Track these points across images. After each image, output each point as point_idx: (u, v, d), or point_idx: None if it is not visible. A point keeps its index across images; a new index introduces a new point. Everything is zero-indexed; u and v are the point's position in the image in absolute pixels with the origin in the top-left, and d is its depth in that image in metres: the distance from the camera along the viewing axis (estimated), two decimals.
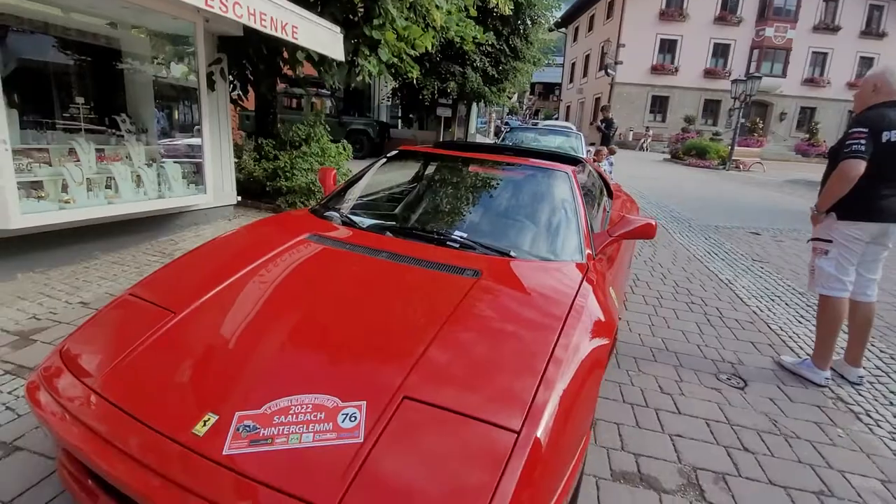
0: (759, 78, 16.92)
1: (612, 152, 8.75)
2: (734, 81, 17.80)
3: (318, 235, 2.00)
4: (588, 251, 2.02)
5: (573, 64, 38.73)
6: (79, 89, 3.64)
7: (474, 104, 16.29)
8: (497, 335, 1.43)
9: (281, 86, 12.28)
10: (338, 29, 3.95)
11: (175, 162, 3.96)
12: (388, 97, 15.56)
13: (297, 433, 1.11)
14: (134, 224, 3.91)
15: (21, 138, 3.12)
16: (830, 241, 2.65)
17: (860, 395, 2.67)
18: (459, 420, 1.13)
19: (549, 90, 55.47)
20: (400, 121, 20.10)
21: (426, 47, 6.55)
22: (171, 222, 4.29)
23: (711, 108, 29.51)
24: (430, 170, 2.83)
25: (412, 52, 5.45)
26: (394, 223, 2.22)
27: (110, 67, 3.87)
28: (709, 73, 28.54)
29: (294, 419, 1.14)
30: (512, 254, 1.89)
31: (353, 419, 1.13)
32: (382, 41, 4.57)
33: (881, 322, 3.77)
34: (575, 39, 38.24)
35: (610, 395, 2.43)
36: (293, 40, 3.42)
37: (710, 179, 14.67)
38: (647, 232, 2.13)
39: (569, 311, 1.50)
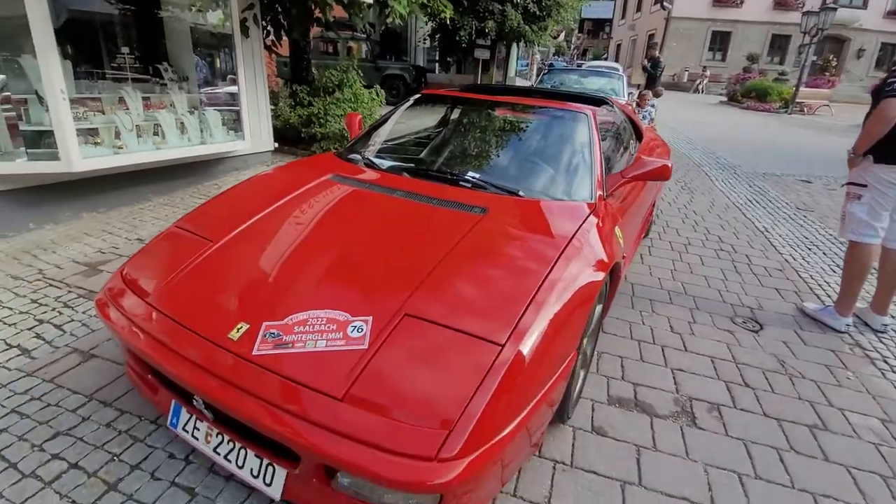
0: (835, 9, 15.08)
1: (657, 94, 8.28)
2: (805, 13, 15.97)
3: (340, 176, 2.15)
4: (599, 192, 2.06)
5: None
6: (124, 39, 3.83)
7: (514, 45, 15.54)
8: (494, 264, 1.55)
9: (317, 30, 12.18)
10: None
11: (215, 109, 4.16)
12: (425, 40, 15.07)
13: (313, 340, 1.30)
14: (181, 169, 4.20)
15: (76, 88, 3.37)
16: (865, 186, 2.54)
17: (881, 342, 2.64)
18: (451, 334, 1.28)
19: (599, 27, 51.64)
20: (437, 64, 19.53)
21: None
22: (213, 168, 4.56)
23: (779, 45, 26.70)
24: (450, 113, 2.87)
25: None
26: (411, 165, 2.32)
27: (151, 17, 4.02)
28: (779, 5, 25.59)
29: (311, 329, 1.33)
30: (520, 193, 1.97)
31: (360, 331, 1.31)
32: None
33: None
34: None
35: (618, 332, 2.53)
36: None
37: (768, 124, 13.62)
38: (662, 174, 2.14)
39: (566, 246, 1.59)
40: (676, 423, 1.89)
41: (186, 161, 4.10)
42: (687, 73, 26.88)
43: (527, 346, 1.26)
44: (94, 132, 3.36)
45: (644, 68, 9.96)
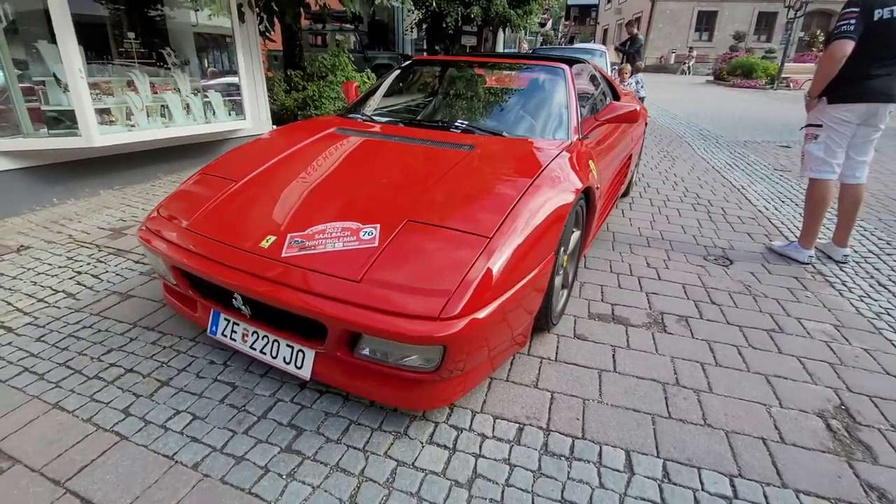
0: None
1: (637, 69, 8.50)
2: None
3: (343, 128, 2.39)
4: (575, 135, 2.32)
5: None
6: (128, 26, 4.03)
7: (501, 31, 15.71)
8: (481, 183, 1.80)
9: (305, 22, 12.31)
10: None
11: (216, 91, 4.38)
12: (412, 28, 15.22)
13: (332, 242, 1.55)
14: (187, 149, 4.42)
15: (88, 73, 3.58)
16: (820, 126, 2.79)
17: (842, 270, 2.91)
18: (447, 232, 1.53)
19: (585, 13, 51.67)
20: (425, 52, 19.68)
21: None
22: (217, 148, 4.77)
23: (766, 22, 26.96)
24: (440, 73, 3.10)
25: None
26: (406, 117, 2.57)
27: (153, 5, 4.22)
28: None
29: (329, 236, 1.58)
30: (504, 134, 2.22)
31: (370, 234, 1.56)
32: None
33: (891, 216, 3.89)
34: None
35: (599, 268, 2.79)
36: None
37: (753, 99, 13.88)
38: (631, 117, 2.39)
39: (541, 171, 1.84)
40: (648, 331, 2.16)
41: (193, 141, 4.32)
42: (674, 54, 27.11)
43: (508, 241, 1.51)
44: (107, 112, 3.58)
45: (617, 49, 9.72)
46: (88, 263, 2.62)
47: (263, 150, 2.28)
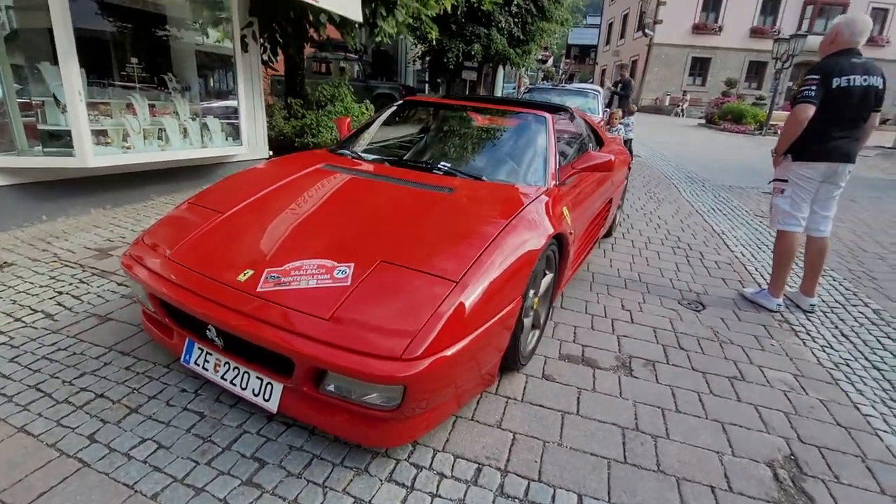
0: (804, 37, 16.03)
1: (630, 112, 8.81)
2: (776, 40, 16.95)
3: (330, 165, 2.49)
4: (552, 181, 2.43)
5: (610, 24, 37.20)
6: (132, 51, 4.18)
7: (501, 68, 16.23)
8: (456, 227, 1.88)
9: (310, 50, 12.69)
10: None
11: (215, 117, 4.51)
12: (415, 61, 15.70)
13: (306, 279, 1.61)
14: (183, 172, 4.51)
15: (88, 94, 3.69)
16: (786, 181, 2.94)
17: (808, 320, 3.00)
18: (416, 274, 1.61)
19: (585, 53, 53.52)
20: (427, 85, 20.20)
21: (446, 7, 6.81)
22: (213, 172, 4.87)
23: (756, 71, 28.03)
24: (429, 115, 3.25)
25: (428, 13, 5.74)
26: (392, 156, 2.67)
27: (158, 31, 4.39)
28: (756, 33, 26.98)
29: (304, 273, 1.65)
30: (483, 178, 2.33)
31: (344, 273, 1.63)
32: (399, 2, 4.89)
33: (861, 267, 4.02)
34: None
35: (575, 308, 2.86)
36: (314, 2, 3.83)
37: (742, 144, 14.33)
38: (606, 167, 2.51)
39: (514, 217, 1.93)
40: (615, 374, 2.22)
41: (188, 164, 4.41)
42: (668, 97, 27.98)
43: (475, 285, 1.58)
44: (104, 133, 3.67)
45: (610, 89, 10.27)
46: (71, 283, 2.66)
47: (251, 182, 2.36)
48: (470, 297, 1.54)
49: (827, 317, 3.06)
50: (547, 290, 2.33)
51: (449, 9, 7.03)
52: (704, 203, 6.21)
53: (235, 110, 4.75)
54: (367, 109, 6.80)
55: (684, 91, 27.13)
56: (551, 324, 2.63)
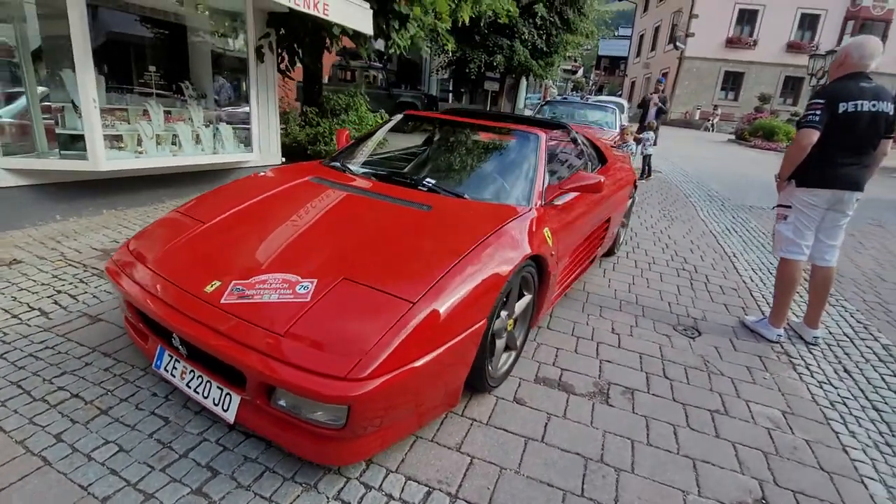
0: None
1: (650, 127, 8.65)
2: (812, 56, 16.44)
3: (318, 178, 2.53)
4: (538, 200, 2.41)
5: (641, 36, 36.76)
6: (151, 59, 4.36)
7: (524, 79, 16.22)
8: (423, 246, 1.89)
9: (335, 59, 12.97)
10: (367, 5, 4.40)
11: (227, 124, 4.65)
12: (438, 70, 15.85)
13: (269, 294, 1.64)
14: (195, 176, 4.66)
15: (107, 100, 3.87)
16: (789, 207, 2.83)
17: (810, 352, 2.87)
18: (376, 293, 1.61)
19: (615, 65, 53.08)
20: (451, 94, 20.36)
21: (464, 20, 6.88)
22: (224, 177, 5.01)
23: (792, 86, 27.18)
24: (425, 130, 3.27)
25: (444, 25, 5.80)
26: (380, 171, 2.70)
27: (177, 40, 4.57)
28: (792, 48, 26.20)
29: (268, 287, 1.67)
30: (465, 196, 2.32)
31: (306, 288, 1.65)
32: (411, 16, 4.97)
33: (878, 298, 3.83)
34: (645, 10, 36.15)
35: (561, 329, 2.81)
36: (325, 16, 3.92)
37: (771, 162, 13.86)
38: (595, 188, 2.47)
39: (487, 237, 1.92)
40: (590, 401, 2.16)
41: (199, 169, 4.55)
42: (699, 111, 27.41)
43: (433, 306, 1.58)
44: (119, 138, 3.83)
45: (658, 107, 8.98)
46: (71, 283, 2.77)
47: (239, 192, 2.42)
48: (426, 319, 1.54)
49: (831, 350, 2.92)
50: (526, 312, 2.30)
51: (467, 21, 7.09)
52: (720, 223, 6.03)
53: (248, 112, 4.88)
54: (381, 119, 6.89)
55: (715, 105, 26.52)
56: (533, 345, 2.59)
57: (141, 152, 3.92)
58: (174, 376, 1.76)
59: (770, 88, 26.58)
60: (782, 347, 2.90)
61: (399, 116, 3.24)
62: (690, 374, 2.48)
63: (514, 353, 2.29)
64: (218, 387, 1.65)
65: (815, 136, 2.57)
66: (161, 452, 1.63)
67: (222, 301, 1.63)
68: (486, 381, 1.99)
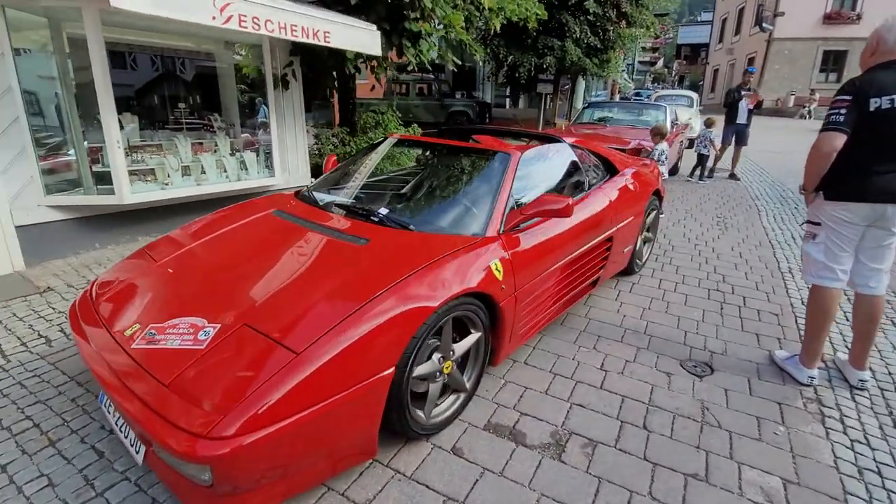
0: None
1: (708, 123, 7.85)
2: None
3: (279, 210, 2.55)
4: (497, 227, 2.23)
5: (724, 20, 33.72)
6: (182, 96, 4.74)
7: (580, 77, 15.53)
8: (337, 285, 1.79)
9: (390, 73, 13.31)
10: (373, 27, 4.42)
11: (251, 151, 4.92)
12: (489, 77, 15.69)
13: (174, 339, 1.65)
14: (223, 202, 4.95)
15: (140, 137, 4.26)
16: (819, 224, 2.37)
17: (853, 399, 2.38)
18: (266, 341, 1.56)
19: (696, 53, 49.20)
20: (508, 99, 20.06)
21: (495, 27, 6.74)
22: None
23: None
24: (407, 155, 3.19)
25: (467, 37, 5.71)
26: (340, 201, 2.64)
27: (207, 75, 4.93)
28: None
29: (177, 331, 1.69)
30: (411, 227, 2.21)
31: (207, 334, 1.64)
32: (423, 32, 4.93)
33: None
34: None
35: (539, 364, 2.57)
36: (326, 44, 4.00)
37: None
38: (561, 212, 2.24)
39: (408, 276, 1.79)
40: (540, 455, 1.94)
41: (224, 195, 4.85)
42: (793, 97, 24.51)
43: (326, 356, 1.49)
44: (149, 172, 4.19)
45: (757, 102, 7.73)
46: None
47: (199, 230, 2.50)
48: (308, 372, 1.46)
49: (883, 398, 2.39)
50: (477, 352, 2.14)
51: (498, 28, 6.93)
52: (785, 231, 5.28)
53: (269, 139, 5.12)
54: (412, 133, 6.92)
55: (812, 90, 23.53)
56: (499, 382, 2.39)
57: (167, 184, 4.25)
58: (109, 413, 1.83)
59: None
60: (815, 393, 2.42)
61: (393, 140, 3.16)
62: (678, 425, 2.14)
63: (462, 396, 2.12)
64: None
65: (839, 140, 2.13)
66: (81, 489, 1.71)
67: (133, 346, 1.67)
68: (409, 429, 1.86)
